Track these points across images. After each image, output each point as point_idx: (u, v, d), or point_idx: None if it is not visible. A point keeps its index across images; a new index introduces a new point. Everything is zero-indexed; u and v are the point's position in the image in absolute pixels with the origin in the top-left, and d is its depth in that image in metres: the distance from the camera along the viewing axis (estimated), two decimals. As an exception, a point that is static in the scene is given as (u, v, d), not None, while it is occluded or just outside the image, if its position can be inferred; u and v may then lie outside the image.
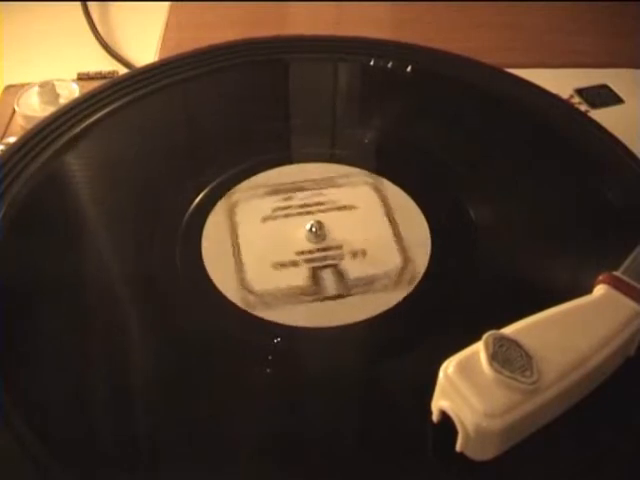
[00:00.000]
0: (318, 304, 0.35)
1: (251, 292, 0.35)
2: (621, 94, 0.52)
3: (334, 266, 0.36)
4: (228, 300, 0.35)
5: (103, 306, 0.35)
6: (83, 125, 0.43)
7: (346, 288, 0.35)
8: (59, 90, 0.51)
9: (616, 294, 0.31)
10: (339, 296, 0.35)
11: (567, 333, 0.30)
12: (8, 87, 0.54)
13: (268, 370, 0.33)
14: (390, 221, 0.38)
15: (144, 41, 0.60)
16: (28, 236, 0.38)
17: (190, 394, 0.32)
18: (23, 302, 0.34)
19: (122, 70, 0.56)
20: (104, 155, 0.43)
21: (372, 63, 0.48)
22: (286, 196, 0.40)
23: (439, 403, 0.29)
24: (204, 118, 0.46)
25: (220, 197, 0.40)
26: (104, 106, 0.44)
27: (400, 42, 0.50)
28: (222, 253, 0.37)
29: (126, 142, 0.44)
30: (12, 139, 0.46)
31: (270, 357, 0.33)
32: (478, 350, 0.29)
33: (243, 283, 0.36)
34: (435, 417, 0.29)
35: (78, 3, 0.62)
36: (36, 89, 0.51)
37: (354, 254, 0.37)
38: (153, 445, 0.31)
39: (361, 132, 0.45)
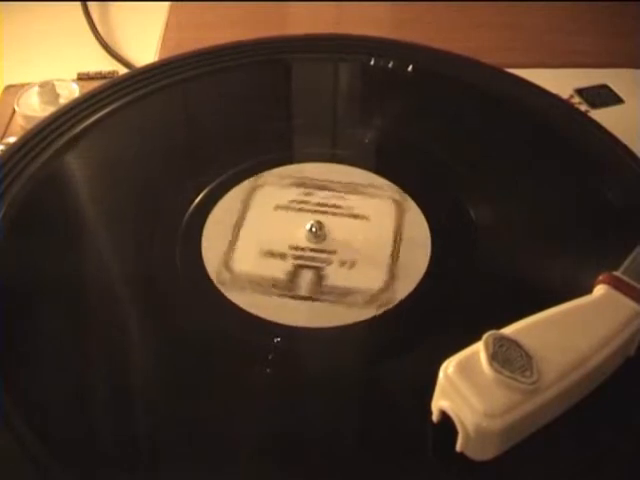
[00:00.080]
0: (285, 300, 0.35)
1: (228, 270, 0.36)
2: (621, 94, 0.52)
3: (318, 269, 0.36)
4: (228, 300, 0.35)
5: (103, 306, 0.35)
6: (83, 125, 0.43)
7: (318, 293, 0.35)
8: (59, 90, 0.51)
9: (616, 294, 0.31)
10: (308, 298, 0.35)
11: (567, 333, 0.30)
12: (8, 87, 0.54)
13: (268, 370, 0.33)
14: (394, 241, 0.37)
15: (144, 41, 0.60)
16: (28, 236, 0.38)
17: (190, 394, 0.32)
18: (23, 302, 0.34)
19: (122, 70, 0.56)
20: (104, 155, 0.43)
21: (372, 63, 0.48)
22: (308, 191, 0.40)
23: (439, 403, 0.29)
24: (204, 118, 0.46)
25: (220, 197, 0.40)
26: (104, 106, 0.44)
27: (400, 41, 0.50)
28: (221, 231, 0.38)
29: (126, 142, 0.44)
30: (12, 139, 0.46)
31: (270, 357, 0.33)
32: (478, 350, 0.29)
33: (226, 260, 0.36)
34: (435, 417, 0.29)
35: (78, 3, 0.62)
36: (36, 89, 0.51)
37: (343, 263, 0.36)
38: (153, 445, 0.31)
39: (361, 132, 0.45)
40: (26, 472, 0.28)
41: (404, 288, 0.35)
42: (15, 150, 0.41)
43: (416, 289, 0.35)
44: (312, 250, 0.37)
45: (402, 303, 0.35)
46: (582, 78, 0.54)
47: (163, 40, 0.60)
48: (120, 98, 0.45)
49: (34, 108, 0.50)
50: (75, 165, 0.42)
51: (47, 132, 0.42)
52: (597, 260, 0.35)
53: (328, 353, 0.34)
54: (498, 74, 0.48)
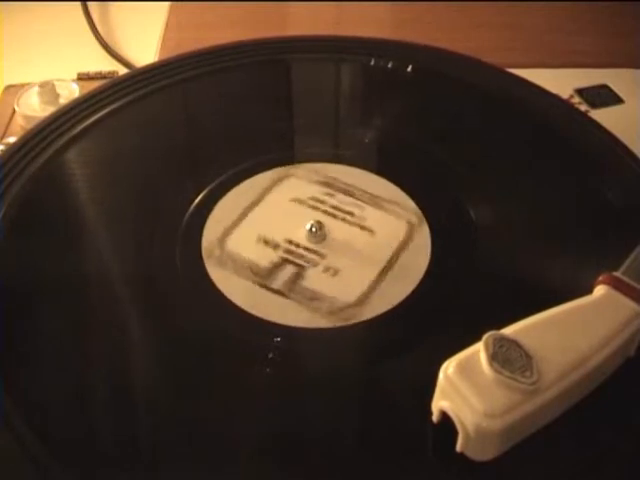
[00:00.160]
0: (255, 287, 0.35)
1: (220, 246, 0.37)
2: (621, 94, 0.52)
3: (301, 267, 0.36)
4: (228, 300, 0.35)
5: (103, 306, 0.35)
6: (83, 125, 0.43)
7: (289, 290, 0.35)
8: (59, 90, 0.51)
9: (616, 294, 0.31)
10: (278, 292, 0.35)
11: (567, 333, 0.30)
12: (8, 87, 0.54)
13: (268, 370, 0.33)
14: (388, 261, 0.37)
15: (144, 41, 0.60)
16: (28, 236, 0.38)
17: (190, 394, 0.32)
18: (23, 302, 0.34)
19: (122, 70, 0.56)
20: (104, 155, 0.43)
21: (372, 63, 0.48)
22: (331, 192, 0.40)
23: (439, 403, 0.29)
24: (204, 118, 0.46)
25: (220, 197, 0.40)
26: (104, 106, 0.44)
27: (400, 41, 0.50)
28: (232, 211, 0.39)
29: (126, 142, 0.44)
30: (12, 139, 0.46)
31: (270, 357, 0.33)
32: (478, 350, 0.29)
33: (223, 237, 0.37)
34: (435, 417, 0.29)
35: (78, 3, 0.62)
36: (36, 89, 0.51)
37: (327, 268, 0.36)
38: (153, 445, 0.31)
39: (361, 132, 0.45)
40: (26, 472, 0.28)
41: (374, 310, 0.35)
42: (15, 150, 0.41)
43: (416, 289, 0.35)
44: (305, 248, 0.37)
45: (402, 303, 0.35)
46: (582, 78, 0.54)
47: (163, 40, 0.60)
48: (120, 98, 0.45)
49: (34, 108, 0.50)
50: (75, 165, 0.42)
51: (47, 132, 0.42)
52: (597, 260, 0.35)
53: (328, 353, 0.34)
54: (498, 74, 0.48)
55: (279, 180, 0.41)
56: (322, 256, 0.37)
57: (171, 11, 0.63)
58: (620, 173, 0.41)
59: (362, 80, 0.50)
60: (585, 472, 0.29)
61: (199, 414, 0.31)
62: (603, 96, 0.52)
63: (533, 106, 0.45)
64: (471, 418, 0.27)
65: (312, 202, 0.39)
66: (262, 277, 0.36)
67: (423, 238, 0.38)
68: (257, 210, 0.39)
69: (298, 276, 0.36)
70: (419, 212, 0.39)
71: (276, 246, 0.37)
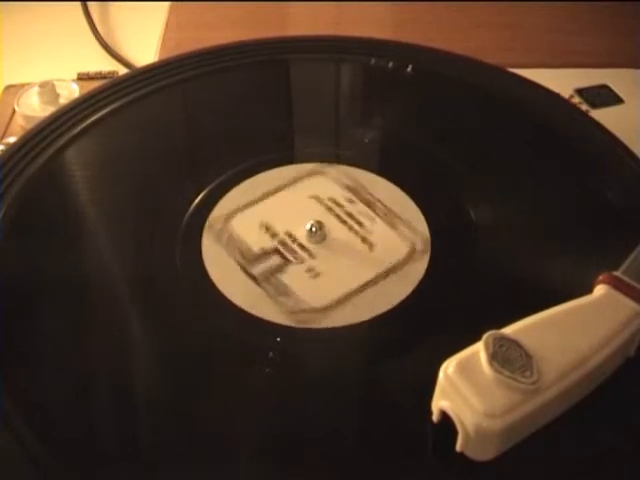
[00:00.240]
0: (236, 268, 0.36)
1: (225, 221, 0.38)
2: (621, 94, 0.52)
3: (287, 261, 0.37)
4: (228, 300, 0.35)
5: (103, 306, 0.35)
6: (83, 125, 0.43)
7: (263, 278, 0.36)
8: (59, 90, 0.51)
9: (616, 294, 0.31)
10: (252, 277, 0.36)
11: (567, 333, 0.30)
12: (8, 87, 0.54)
13: (268, 370, 0.33)
14: (372, 279, 0.36)
15: (144, 41, 0.60)
16: (28, 236, 0.38)
17: (190, 394, 0.32)
18: (23, 302, 0.34)
19: (122, 70, 0.56)
20: (104, 155, 0.43)
21: (372, 63, 0.48)
22: (353, 199, 0.40)
23: (439, 403, 0.29)
24: (204, 118, 0.46)
25: (220, 197, 0.40)
26: (104, 106, 0.44)
27: (400, 42, 0.50)
28: (253, 191, 0.40)
29: (126, 142, 0.44)
30: (12, 139, 0.46)
31: (270, 357, 0.33)
32: (478, 350, 0.29)
33: (232, 214, 0.39)
34: (435, 417, 0.29)
35: (78, 3, 0.62)
36: (36, 89, 0.51)
37: (310, 269, 0.36)
38: (153, 445, 0.31)
39: (361, 132, 0.45)
40: (26, 472, 0.28)
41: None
42: (15, 150, 0.41)
43: (416, 289, 0.35)
44: (300, 245, 0.37)
45: (402, 303, 0.35)
46: (582, 78, 0.54)
47: (163, 40, 0.60)
48: (120, 98, 0.45)
49: (34, 108, 0.50)
50: (75, 165, 0.42)
51: (47, 132, 0.42)
52: (597, 260, 0.35)
53: (328, 353, 0.34)
54: (498, 74, 0.48)
55: (310, 174, 0.41)
56: (312, 256, 0.37)
57: (171, 11, 0.63)
58: (620, 173, 0.41)
59: (362, 80, 0.50)
60: (585, 472, 0.29)
61: (199, 414, 0.31)
62: (603, 96, 0.52)
63: (533, 106, 0.45)
64: (471, 418, 0.27)
65: (330, 203, 0.39)
66: (247, 260, 0.36)
67: (418, 267, 0.36)
68: (275, 198, 0.40)
69: (279, 269, 0.36)
70: (428, 239, 0.38)
71: (274, 235, 0.38)
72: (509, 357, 0.28)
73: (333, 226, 0.38)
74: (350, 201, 0.39)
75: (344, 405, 0.32)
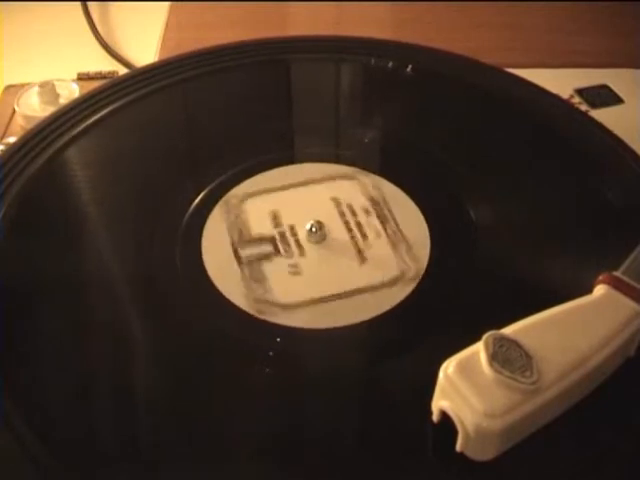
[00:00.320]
0: (228, 248, 0.37)
1: (241, 201, 0.39)
2: (621, 94, 0.52)
3: (276, 251, 0.37)
4: (228, 300, 0.35)
5: (103, 306, 0.35)
6: (83, 125, 0.43)
7: (246, 265, 0.36)
8: (59, 90, 0.51)
9: (616, 294, 0.31)
10: (238, 260, 0.36)
11: (567, 333, 0.30)
12: (8, 87, 0.54)
13: (268, 370, 0.33)
14: (346, 292, 0.35)
15: (144, 41, 0.60)
16: (28, 236, 0.38)
17: (190, 394, 0.32)
18: (23, 302, 0.34)
19: (122, 70, 0.56)
20: (104, 155, 0.43)
21: (372, 63, 0.48)
22: (370, 210, 0.39)
23: (439, 403, 0.29)
24: (204, 118, 0.46)
25: (220, 197, 0.40)
26: (104, 106, 0.44)
27: (400, 42, 0.50)
28: (278, 182, 0.41)
29: (126, 142, 0.44)
30: (12, 139, 0.46)
31: (270, 357, 0.33)
32: (478, 350, 0.29)
33: (250, 195, 0.40)
34: (435, 417, 0.29)
35: (78, 3, 0.62)
36: (36, 89, 0.51)
37: (294, 266, 0.36)
38: (153, 445, 0.31)
39: (361, 132, 0.45)
40: (26, 472, 0.28)
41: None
42: (15, 150, 0.41)
43: (416, 289, 0.35)
44: (296, 241, 0.37)
45: (402, 303, 0.35)
46: (582, 78, 0.54)
47: (163, 40, 0.60)
48: (120, 98, 0.45)
49: (34, 108, 0.50)
50: (75, 165, 0.42)
51: (47, 132, 0.42)
52: (597, 260, 0.35)
53: (328, 353, 0.34)
54: (498, 74, 0.48)
55: (343, 177, 0.41)
56: (302, 254, 0.37)
57: (171, 11, 0.63)
58: (620, 173, 0.41)
59: (362, 80, 0.50)
60: (585, 472, 0.29)
61: (199, 414, 0.31)
62: (603, 96, 0.52)
63: (533, 106, 0.45)
64: (471, 418, 0.27)
65: (345, 209, 0.39)
66: (241, 242, 0.37)
67: (397, 293, 0.35)
68: (298, 190, 0.40)
69: (266, 257, 0.37)
70: (423, 270, 0.36)
71: (277, 225, 0.38)
72: (509, 357, 0.28)
73: (337, 231, 0.38)
74: (366, 212, 0.39)
75: (344, 405, 0.32)
